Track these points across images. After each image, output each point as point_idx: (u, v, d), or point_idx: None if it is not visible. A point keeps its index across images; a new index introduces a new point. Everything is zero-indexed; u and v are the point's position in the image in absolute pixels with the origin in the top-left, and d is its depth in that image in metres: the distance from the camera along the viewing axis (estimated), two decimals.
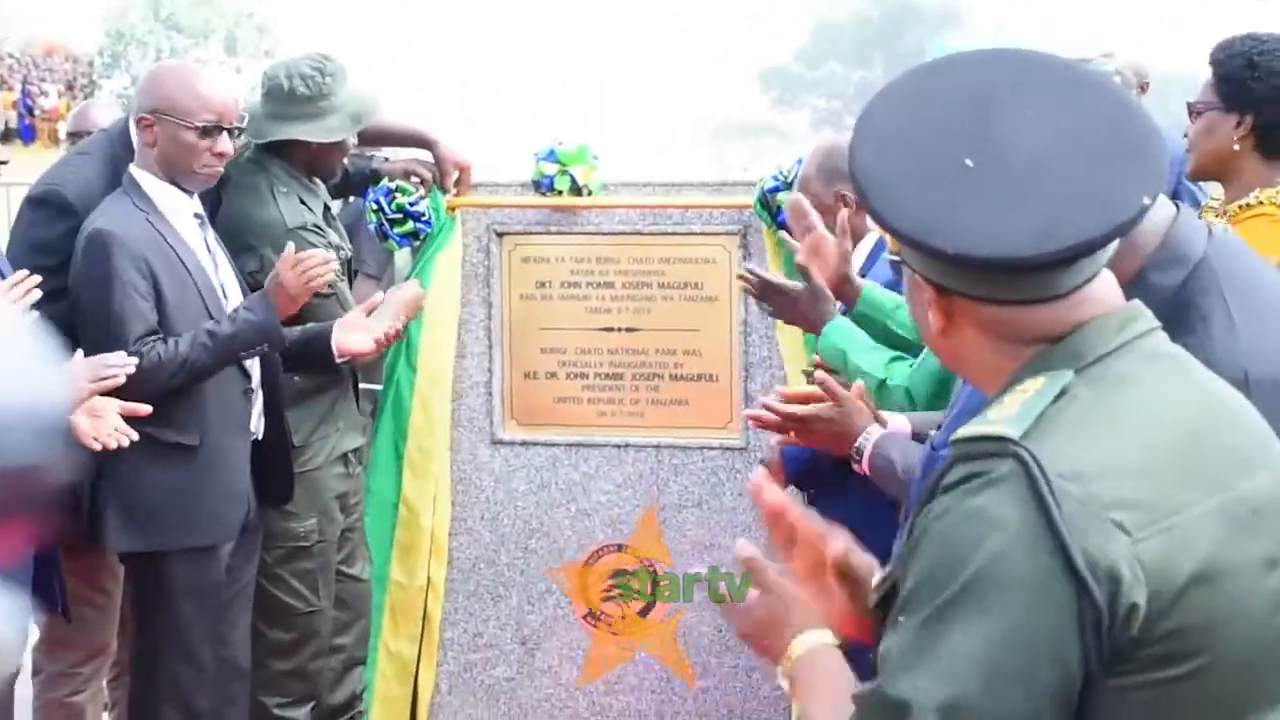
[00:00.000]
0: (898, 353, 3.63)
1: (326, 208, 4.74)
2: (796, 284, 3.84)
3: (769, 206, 4.85)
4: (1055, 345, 1.67)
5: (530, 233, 5.18)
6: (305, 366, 4.46)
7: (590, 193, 5.11)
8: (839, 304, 3.76)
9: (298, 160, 4.61)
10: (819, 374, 3.15)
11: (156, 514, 4.05)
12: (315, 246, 4.46)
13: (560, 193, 5.10)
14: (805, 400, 3.14)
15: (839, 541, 1.99)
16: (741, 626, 1.97)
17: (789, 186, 4.79)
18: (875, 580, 1.78)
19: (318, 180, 4.72)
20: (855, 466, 3.09)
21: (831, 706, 1.74)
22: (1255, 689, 1.62)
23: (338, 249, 4.63)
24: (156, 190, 4.12)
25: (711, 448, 5.04)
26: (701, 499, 5.07)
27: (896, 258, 1.78)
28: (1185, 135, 3.92)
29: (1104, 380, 1.64)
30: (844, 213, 3.74)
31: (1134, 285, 2.08)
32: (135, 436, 3.76)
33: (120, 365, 3.76)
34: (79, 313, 4.04)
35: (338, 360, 4.38)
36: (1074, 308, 1.67)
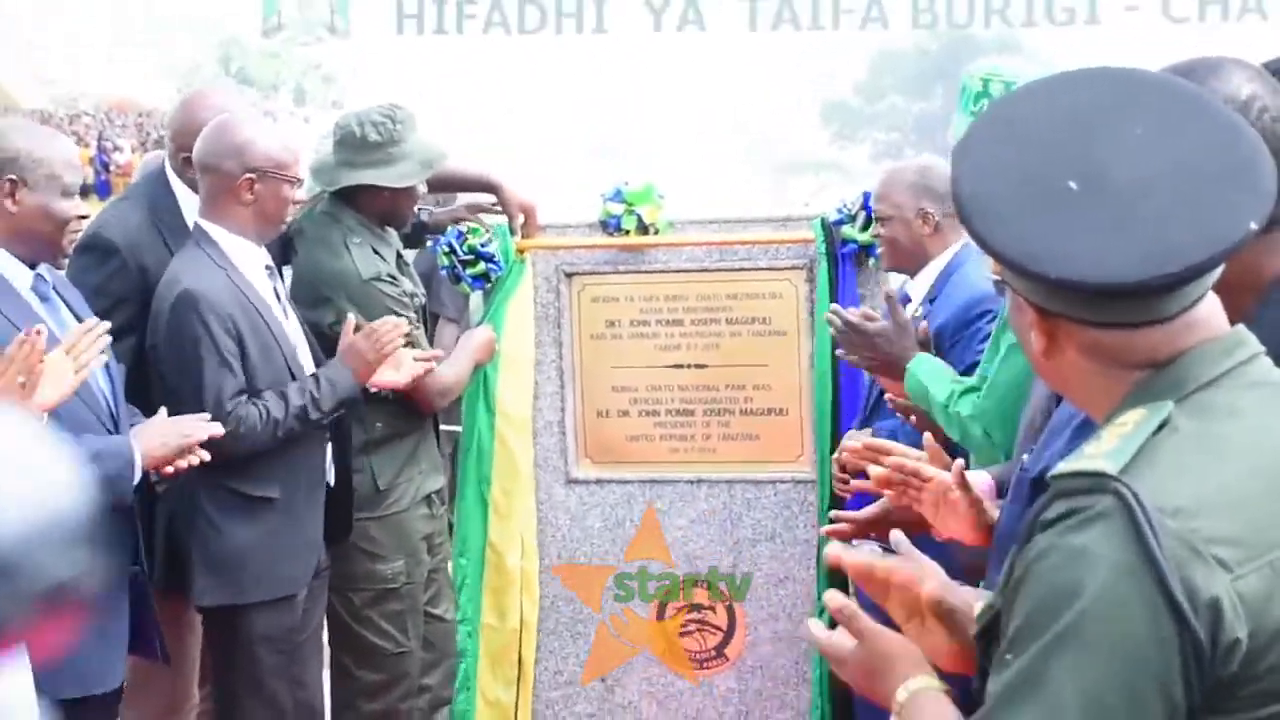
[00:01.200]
0: (971, 382, 3.62)
1: (399, 255, 4.76)
2: (880, 321, 3.85)
3: (831, 237, 4.86)
4: (1158, 373, 1.64)
5: (599, 272, 5.19)
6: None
7: (657, 231, 5.12)
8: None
9: (370, 209, 4.64)
10: (893, 459, 2.93)
11: (239, 568, 4.06)
12: (389, 297, 4.49)
13: (627, 232, 5.11)
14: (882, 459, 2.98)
15: (932, 582, 1.99)
16: (847, 676, 1.96)
17: (852, 220, 4.82)
18: (978, 609, 1.76)
19: (390, 229, 4.75)
20: (934, 534, 2.94)
21: None
22: None
23: (411, 296, 4.65)
24: (231, 245, 4.11)
25: (784, 481, 5.02)
26: (775, 532, 5.05)
27: (998, 278, 1.75)
28: None
29: (1206, 411, 1.61)
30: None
31: (1277, 287, 2.04)
32: (207, 457, 3.79)
33: (206, 430, 3.78)
34: (164, 369, 4.05)
35: (372, 390, 4.35)
36: (1179, 332, 1.64)
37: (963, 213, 1.66)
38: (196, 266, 4.05)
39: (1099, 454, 1.57)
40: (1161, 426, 1.58)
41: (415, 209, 4.86)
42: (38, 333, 3.40)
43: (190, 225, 4.22)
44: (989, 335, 3.75)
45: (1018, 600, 1.57)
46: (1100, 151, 1.63)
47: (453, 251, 4.98)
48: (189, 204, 4.29)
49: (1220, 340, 1.65)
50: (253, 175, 4.05)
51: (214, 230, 4.10)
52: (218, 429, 3.81)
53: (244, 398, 4.00)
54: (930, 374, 3.73)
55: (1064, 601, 1.51)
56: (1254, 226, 1.59)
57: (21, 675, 3.04)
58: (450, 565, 5.11)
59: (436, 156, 4.67)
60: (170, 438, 3.73)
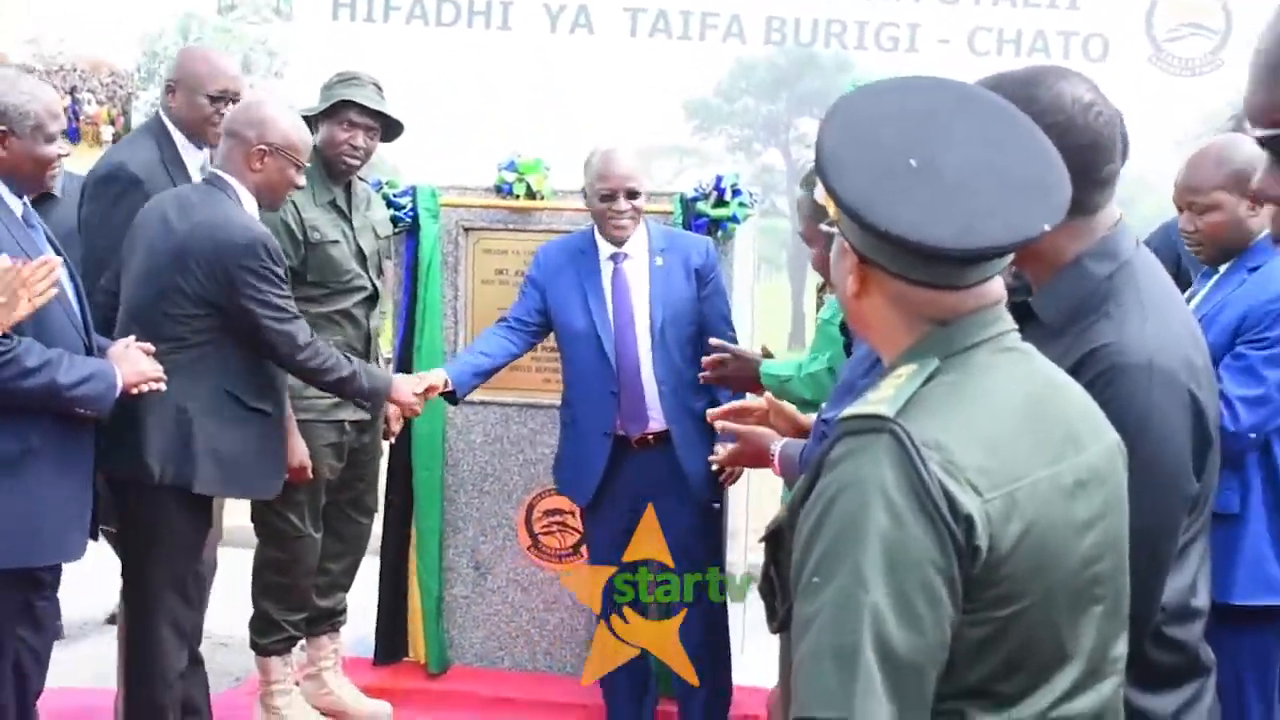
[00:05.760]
0: (813, 356, 3.90)
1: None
2: (726, 356, 4.13)
3: (688, 211, 4.89)
4: (935, 331, 1.66)
5: (492, 229, 5.15)
6: None
7: (543, 197, 5.10)
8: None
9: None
10: (721, 424, 3.43)
11: (238, 465, 4.00)
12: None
13: (518, 196, 5.09)
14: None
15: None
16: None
17: (705, 197, 4.85)
18: (769, 525, 1.78)
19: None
20: (772, 469, 3.25)
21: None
22: (1064, 628, 1.64)
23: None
24: (246, 198, 4.03)
25: None
26: None
27: (832, 228, 1.75)
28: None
29: (966, 367, 1.64)
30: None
31: (1072, 266, 2.09)
32: (163, 389, 3.75)
33: (157, 380, 3.74)
34: (243, 300, 3.90)
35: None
36: (965, 299, 1.67)
37: (820, 166, 1.64)
38: (237, 212, 3.97)
39: (879, 400, 1.60)
40: (930, 379, 1.61)
41: (348, 156, 4.64)
42: (46, 266, 3.42)
43: (184, 161, 4.29)
44: None
45: (821, 529, 1.56)
46: (937, 141, 1.64)
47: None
48: (183, 143, 4.37)
49: (987, 313, 1.68)
50: (265, 148, 3.98)
51: (232, 180, 4.01)
52: (163, 383, 3.78)
53: (319, 342, 4.05)
54: (776, 366, 4.01)
55: (859, 525, 1.52)
56: (1047, 228, 1.62)
57: None
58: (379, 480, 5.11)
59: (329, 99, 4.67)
60: (145, 369, 3.71)
